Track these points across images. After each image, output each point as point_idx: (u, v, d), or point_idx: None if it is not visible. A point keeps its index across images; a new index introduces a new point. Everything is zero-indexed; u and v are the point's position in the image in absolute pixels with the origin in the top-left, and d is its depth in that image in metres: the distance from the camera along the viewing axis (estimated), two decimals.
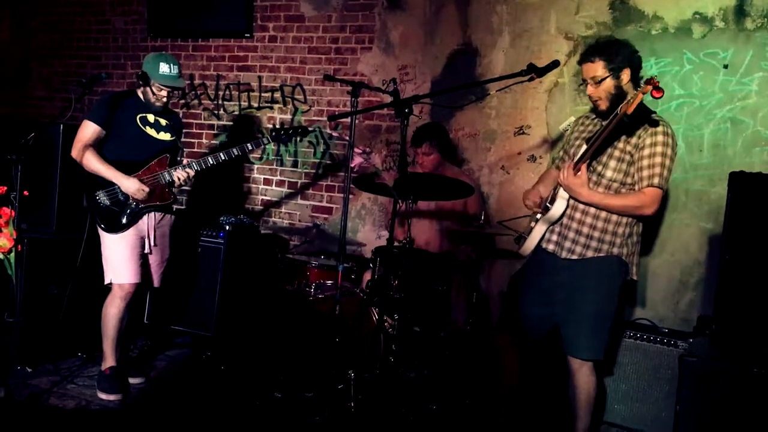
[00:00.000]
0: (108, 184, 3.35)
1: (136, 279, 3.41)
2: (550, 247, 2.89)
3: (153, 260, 3.55)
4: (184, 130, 4.69)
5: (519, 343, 3.05)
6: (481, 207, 3.97)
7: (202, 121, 5.31)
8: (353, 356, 3.35)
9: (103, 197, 3.36)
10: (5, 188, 3.18)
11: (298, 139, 4.86)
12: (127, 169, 3.35)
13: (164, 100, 3.45)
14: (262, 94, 5.08)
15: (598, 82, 2.72)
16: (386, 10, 4.61)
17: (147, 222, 3.45)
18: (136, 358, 3.93)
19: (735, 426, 2.73)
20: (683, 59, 3.76)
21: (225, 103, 5.22)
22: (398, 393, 3.30)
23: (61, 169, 3.70)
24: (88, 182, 3.38)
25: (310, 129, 4.45)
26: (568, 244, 2.82)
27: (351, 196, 4.37)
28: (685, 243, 3.78)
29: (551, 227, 2.89)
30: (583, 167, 2.69)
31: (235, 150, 3.57)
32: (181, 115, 4.89)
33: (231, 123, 5.20)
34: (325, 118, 4.80)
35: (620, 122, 2.55)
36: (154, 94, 3.40)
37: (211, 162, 3.52)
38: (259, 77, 5.08)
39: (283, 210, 5.05)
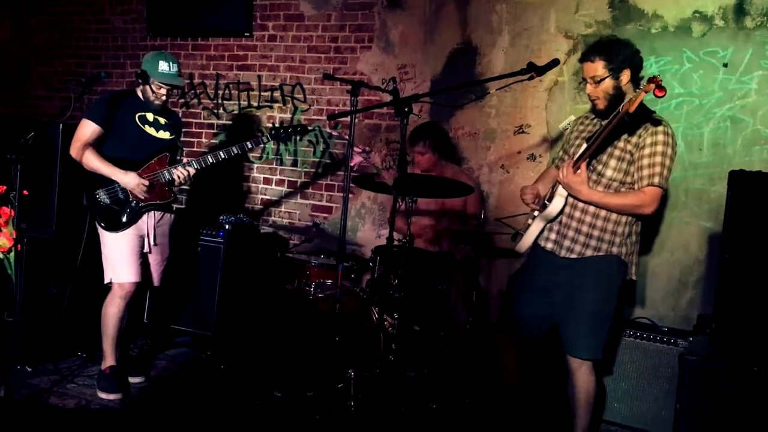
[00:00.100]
0: (108, 183, 3.36)
1: (136, 278, 3.41)
2: (549, 245, 2.89)
3: (153, 259, 3.55)
4: (183, 130, 4.69)
5: (518, 343, 3.05)
6: (481, 206, 3.97)
7: (202, 121, 5.31)
8: (353, 355, 3.35)
9: (102, 196, 3.36)
10: (5, 187, 3.17)
11: (298, 138, 4.87)
12: (126, 168, 3.35)
13: (163, 98, 3.45)
14: (262, 93, 5.08)
15: (598, 82, 2.72)
16: (386, 9, 4.61)
17: (147, 221, 3.45)
18: (136, 357, 3.94)
19: (735, 424, 2.74)
20: (683, 58, 3.76)
21: (224, 102, 5.22)
22: (398, 392, 3.30)
23: (60, 168, 3.70)
24: (87, 181, 3.38)
25: (309, 128, 4.46)
26: (567, 242, 2.82)
27: (351, 195, 4.36)
28: (685, 242, 3.78)
29: (550, 225, 2.89)
30: (583, 165, 2.68)
31: (234, 149, 3.57)
32: (180, 114, 4.90)
33: (230, 122, 5.20)
34: (324, 117, 4.80)
35: (621, 121, 2.55)
36: (153, 92, 3.40)
37: (211, 161, 3.52)
38: (259, 76, 5.08)
39: (282, 209, 5.05)
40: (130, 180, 3.33)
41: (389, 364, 3.29)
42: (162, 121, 3.53)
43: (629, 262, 2.80)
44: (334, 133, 4.81)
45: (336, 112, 4.42)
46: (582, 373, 2.82)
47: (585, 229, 2.78)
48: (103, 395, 3.36)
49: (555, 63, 2.74)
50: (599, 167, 2.76)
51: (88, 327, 3.66)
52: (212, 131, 5.28)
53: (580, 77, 3.93)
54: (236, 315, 4.20)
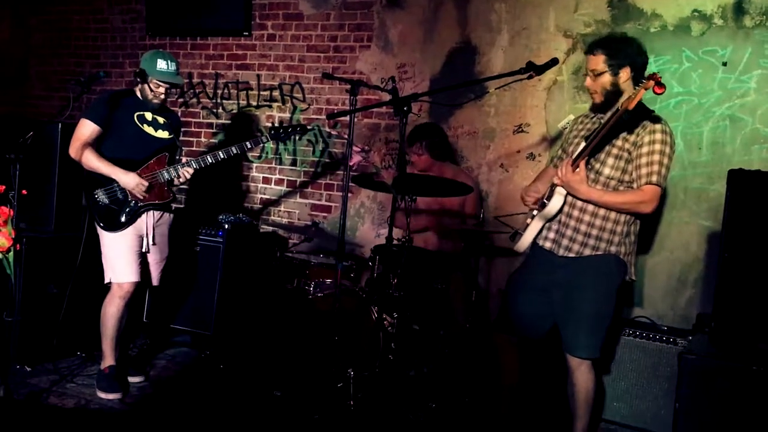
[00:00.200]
0: (107, 183, 3.35)
1: (136, 278, 3.40)
2: (548, 244, 2.89)
3: (152, 259, 3.55)
4: (182, 129, 4.69)
5: (518, 342, 3.05)
6: (480, 206, 3.97)
7: (201, 120, 5.30)
8: (353, 355, 3.35)
9: (101, 195, 3.36)
10: (4, 187, 3.17)
11: (297, 137, 4.85)
12: (125, 168, 3.35)
13: (162, 97, 3.44)
14: (261, 93, 5.08)
15: (596, 76, 2.74)
16: (385, 8, 4.61)
17: (146, 221, 3.45)
18: (136, 357, 3.93)
19: (734, 423, 2.74)
20: (682, 57, 3.76)
21: (224, 101, 5.22)
22: (398, 391, 3.30)
23: (59, 168, 3.70)
24: (86, 181, 3.38)
25: (309, 127, 4.46)
26: (565, 241, 2.81)
27: (350, 195, 4.37)
28: (684, 241, 3.78)
29: (548, 224, 2.89)
30: (582, 164, 2.68)
31: (234, 148, 3.57)
32: (179, 113, 4.89)
33: (230, 122, 5.19)
34: (324, 117, 4.79)
35: (620, 119, 2.55)
36: (152, 90, 3.40)
37: (210, 160, 3.51)
38: (258, 76, 5.08)
39: (282, 208, 5.05)
40: (129, 180, 3.33)
41: (389, 364, 3.29)
42: (161, 120, 3.52)
43: (628, 261, 2.80)
44: (334, 132, 4.81)
45: (335, 111, 4.42)
46: (581, 372, 2.82)
47: (583, 228, 2.78)
48: (102, 395, 3.36)
49: (554, 62, 2.75)
50: (597, 165, 2.76)
51: (88, 327, 3.66)
52: (211, 131, 5.28)
53: (580, 76, 3.98)
54: (236, 314, 4.20)
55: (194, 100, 5.32)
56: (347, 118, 3.16)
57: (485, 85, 4.01)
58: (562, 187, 2.77)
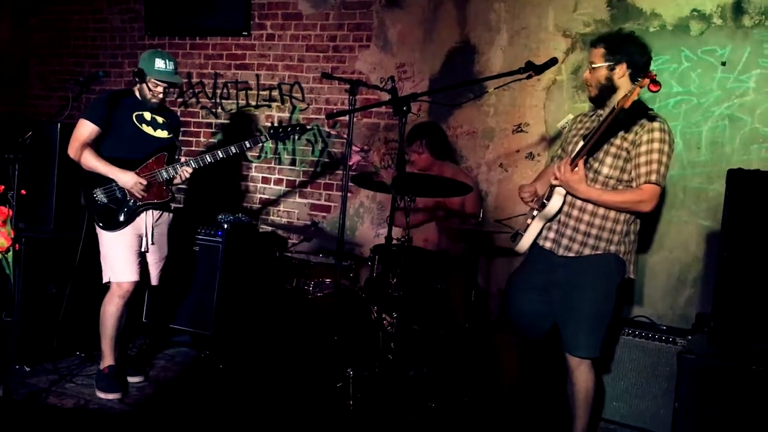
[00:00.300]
0: (105, 182, 3.36)
1: (135, 277, 3.40)
2: (547, 244, 2.89)
3: (151, 259, 3.55)
4: (182, 129, 4.68)
5: (518, 341, 3.05)
6: (480, 205, 3.97)
7: (200, 120, 5.30)
8: (352, 354, 3.35)
9: (100, 195, 3.36)
10: (3, 187, 3.16)
11: (297, 137, 4.85)
12: (124, 168, 3.35)
13: (160, 96, 3.44)
14: (260, 93, 5.07)
15: (593, 68, 2.77)
16: (384, 8, 4.60)
17: (145, 220, 3.45)
18: (135, 356, 3.93)
19: (733, 423, 2.74)
20: (681, 56, 3.76)
21: (223, 101, 5.21)
22: (397, 391, 3.30)
23: (58, 167, 3.70)
24: (85, 180, 3.38)
25: (308, 127, 4.46)
26: (565, 241, 2.81)
27: (349, 194, 4.36)
28: (684, 240, 3.78)
29: (548, 224, 2.89)
30: (580, 163, 2.68)
31: (233, 148, 3.57)
32: (178, 113, 4.89)
33: (229, 121, 5.19)
34: (323, 116, 4.79)
35: (616, 118, 2.55)
36: (150, 90, 3.40)
37: (209, 160, 3.51)
38: (257, 75, 5.07)
39: (281, 208, 5.05)
40: (128, 179, 3.33)
41: (388, 363, 3.29)
42: (160, 120, 3.52)
43: (627, 260, 2.80)
44: (333, 132, 4.81)
45: (334, 111, 4.42)
46: (581, 371, 2.82)
47: (583, 227, 2.78)
48: (101, 395, 3.36)
49: (553, 62, 2.75)
50: (596, 165, 2.76)
51: (87, 326, 3.66)
52: (210, 130, 5.28)
53: (579, 76, 3.98)
54: (235, 314, 4.20)
55: (193, 99, 5.32)
56: (346, 117, 3.16)
57: (484, 85, 4.01)
58: (561, 186, 2.77)
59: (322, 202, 4.88)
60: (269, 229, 4.90)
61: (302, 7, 4.87)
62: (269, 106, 5.04)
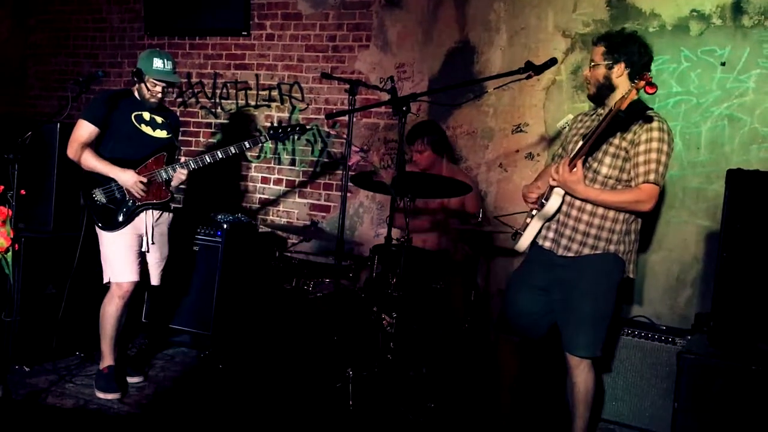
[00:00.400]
0: (104, 182, 3.36)
1: (135, 277, 3.40)
2: (547, 244, 2.89)
3: (152, 259, 3.55)
4: (181, 129, 4.68)
5: (518, 342, 3.05)
6: (479, 205, 3.97)
7: (200, 120, 5.30)
8: (352, 354, 3.35)
9: (99, 195, 3.36)
10: (2, 187, 3.17)
11: (296, 137, 4.84)
12: (123, 167, 3.35)
13: (159, 95, 3.44)
14: (260, 93, 5.07)
15: (593, 66, 2.78)
16: (384, 8, 4.60)
17: (145, 220, 3.45)
18: (135, 356, 3.93)
19: (733, 423, 2.74)
20: (680, 56, 3.76)
21: (222, 101, 5.21)
22: (397, 391, 3.30)
23: (58, 167, 3.69)
24: (84, 180, 3.38)
25: (307, 127, 4.45)
26: (564, 241, 2.81)
27: (349, 194, 4.37)
28: (683, 240, 3.79)
29: (548, 224, 2.89)
30: (579, 163, 2.68)
31: (232, 148, 3.56)
32: (178, 113, 4.89)
33: (228, 121, 5.19)
34: (322, 116, 4.79)
35: (615, 117, 2.55)
36: (148, 90, 3.40)
37: (209, 160, 3.51)
38: (257, 75, 5.07)
39: (281, 208, 5.05)
40: (127, 178, 3.33)
41: (388, 364, 3.29)
42: (159, 120, 3.52)
43: (627, 260, 2.80)
44: (332, 132, 4.81)
45: (334, 111, 4.42)
46: (581, 371, 2.82)
47: (582, 227, 2.77)
48: (101, 395, 3.36)
49: (553, 62, 2.75)
50: (595, 165, 2.76)
51: (87, 326, 3.66)
52: (210, 130, 5.28)
53: (578, 76, 3.98)
54: (235, 314, 4.20)
55: (193, 99, 5.32)
56: (346, 117, 3.17)
57: (484, 85, 4.01)
58: (560, 187, 2.77)
59: (322, 202, 4.88)
60: (269, 229, 4.90)
61: (302, 7, 4.87)
62: (269, 106, 5.04)
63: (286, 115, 4.97)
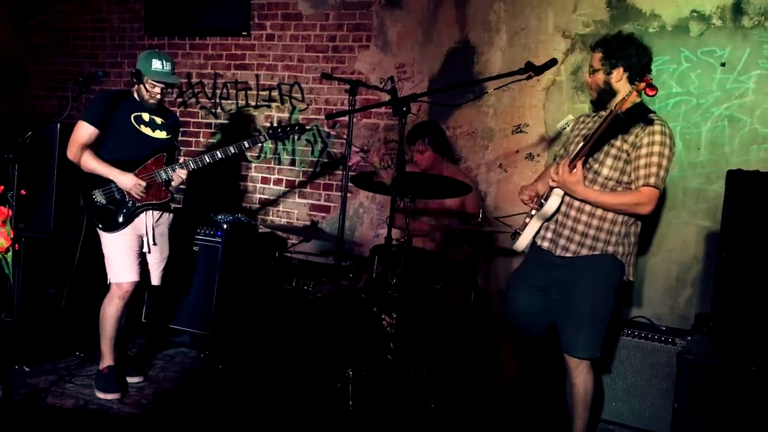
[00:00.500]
0: (104, 183, 3.36)
1: (135, 278, 3.40)
2: (545, 244, 2.89)
3: (152, 259, 3.55)
4: (181, 129, 4.68)
5: (517, 342, 3.05)
6: (480, 205, 3.97)
7: (200, 120, 5.30)
8: (351, 355, 3.35)
9: (99, 196, 3.36)
10: (2, 187, 3.17)
11: (296, 137, 4.85)
12: (123, 169, 3.36)
13: (158, 96, 3.44)
14: (260, 93, 5.07)
15: (593, 72, 2.79)
16: (384, 8, 4.61)
17: (145, 221, 3.45)
18: (135, 357, 3.93)
19: (733, 423, 2.74)
20: (681, 57, 3.76)
21: (222, 101, 5.21)
22: (397, 392, 3.30)
23: (58, 167, 3.69)
24: (84, 182, 3.38)
25: (307, 127, 4.46)
26: (562, 241, 2.82)
27: (349, 195, 4.36)
28: (683, 241, 3.79)
29: (546, 224, 2.89)
30: (579, 164, 2.68)
31: (232, 148, 3.56)
32: (178, 113, 4.89)
33: (228, 121, 5.19)
34: (322, 117, 4.79)
35: (615, 120, 2.55)
36: (147, 90, 3.40)
37: (208, 160, 3.51)
38: (257, 75, 5.07)
39: (281, 208, 5.05)
40: (127, 180, 3.33)
41: (388, 364, 3.29)
42: (158, 120, 3.52)
43: (626, 262, 2.79)
44: (332, 132, 4.81)
45: (334, 111, 4.42)
46: (580, 371, 2.82)
47: (581, 228, 2.78)
48: (101, 395, 3.36)
49: (553, 63, 2.75)
50: (596, 166, 2.76)
51: (86, 327, 3.66)
52: (210, 131, 5.28)
53: (578, 77, 3.99)
54: (235, 314, 4.20)
55: (193, 100, 5.32)
56: (346, 118, 3.17)
57: (484, 86, 4.02)
58: (559, 187, 2.77)
59: (322, 202, 4.88)
60: (269, 229, 4.90)
61: (302, 8, 4.88)
62: (269, 107, 5.04)
63: (286, 115, 4.97)
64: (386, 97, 3.05)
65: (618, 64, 2.72)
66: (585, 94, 3.97)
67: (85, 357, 3.83)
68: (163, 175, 3.44)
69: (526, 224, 2.95)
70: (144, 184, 3.36)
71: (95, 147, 3.37)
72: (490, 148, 4.32)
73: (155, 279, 3.59)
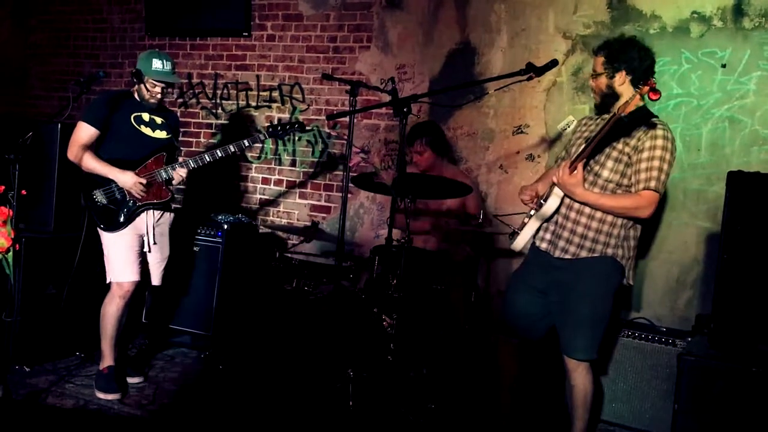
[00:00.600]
0: (105, 183, 3.36)
1: (135, 277, 3.41)
2: (544, 245, 2.89)
3: (153, 259, 3.55)
4: (182, 129, 4.68)
5: (517, 343, 3.05)
6: (480, 206, 3.97)
7: (200, 120, 5.30)
8: (352, 355, 3.35)
9: (99, 196, 3.36)
10: (3, 187, 3.17)
11: (297, 137, 4.87)
12: (123, 168, 3.36)
13: (158, 96, 3.44)
14: (261, 93, 5.08)
15: (596, 76, 2.79)
16: (384, 9, 4.61)
17: (146, 220, 3.45)
18: (135, 357, 3.93)
19: (733, 425, 2.74)
20: (681, 58, 3.76)
21: (223, 102, 5.21)
22: (397, 392, 3.30)
23: (58, 168, 3.69)
24: (84, 182, 3.38)
25: (307, 127, 4.46)
26: (561, 243, 2.81)
27: (349, 195, 4.36)
28: (683, 242, 3.79)
29: (546, 225, 2.89)
30: (579, 166, 2.68)
31: (231, 147, 3.57)
32: (179, 113, 4.89)
33: (229, 122, 5.19)
34: (323, 117, 4.79)
35: (618, 122, 2.55)
36: (148, 90, 3.41)
37: (208, 159, 3.51)
38: (258, 76, 5.08)
39: (281, 209, 5.05)
40: (127, 179, 3.34)
41: (388, 364, 3.29)
42: (158, 120, 3.52)
43: (626, 266, 2.79)
44: (333, 133, 4.81)
45: (335, 112, 4.43)
46: (579, 373, 2.82)
47: (580, 230, 2.77)
48: (101, 395, 3.36)
49: (554, 64, 2.75)
50: (596, 168, 2.76)
51: (87, 327, 3.66)
52: (211, 131, 5.28)
53: (579, 77, 3.99)
54: (235, 315, 4.20)
55: (194, 100, 5.32)
56: (347, 118, 3.17)
57: (485, 86, 4.01)
58: (559, 188, 2.77)
59: (322, 203, 4.88)
60: (269, 229, 4.90)
61: (303, 8, 4.88)
62: (269, 107, 5.05)
63: (286, 115, 4.97)
64: (387, 98, 3.05)
65: (620, 67, 2.71)
66: (586, 95, 3.97)
67: (86, 357, 3.83)
68: (164, 174, 3.44)
69: (525, 224, 2.95)
70: (144, 182, 3.37)
71: (95, 147, 3.38)
72: (490, 149, 4.32)
73: (156, 279, 3.59)
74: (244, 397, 3.48)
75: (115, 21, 5.63)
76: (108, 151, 3.38)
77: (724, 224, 2.97)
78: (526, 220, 2.96)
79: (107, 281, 3.41)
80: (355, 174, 4.02)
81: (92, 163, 3.32)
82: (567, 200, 2.79)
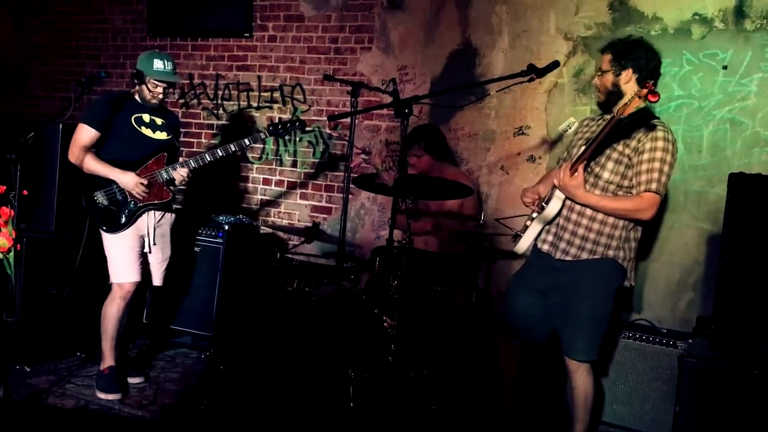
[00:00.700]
0: (106, 184, 3.36)
1: (136, 278, 3.41)
2: (545, 247, 2.89)
3: (154, 259, 3.55)
4: (183, 130, 4.69)
5: (518, 344, 3.05)
6: (480, 207, 3.97)
7: (202, 121, 5.30)
8: (353, 356, 3.35)
9: (101, 197, 3.36)
10: (4, 188, 3.18)
11: (298, 138, 4.87)
12: (124, 169, 3.36)
13: (160, 96, 3.45)
14: (262, 94, 5.08)
15: (601, 74, 2.79)
16: (386, 10, 4.61)
17: (146, 221, 3.46)
18: (135, 357, 3.93)
19: (734, 427, 2.74)
20: (682, 60, 3.76)
21: (224, 102, 5.22)
22: (398, 393, 3.29)
23: (60, 168, 3.70)
24: (85, 183, 3.39)
25: (308, 128, 4.46)
26: (562, 245, 2.82)
27: (350, 196, 4.36)
28: (685, 244, 3.78)
29: (547, 227, 2.89)
30: (580, 168, 2.68)
31: (232, 146, 3.57)
32: (180, 114, 4.90)
33: (230, 122, 5.19)
34: (324, 118, 4.79)
35: (618, 124, 2.55)
36: (149, 91, 3.41)
37: (209, 158, 3.52)
38: (259, 77, 5.08)
39: (282, 210, 5.05)
40: (128, 180, 3.34)
41: (389, 365, 3.29)
42: (159, 121, 3.53)
43: (627, 267, 2.79)
44: (334, 134, 4.81)
45: (336, 113, 4.43)
46: (580, 374, 2.82)
47: (581, 231, 2.77)
48: (101, 395, 3.36)
49: (555, 65, 2.75)
50: (597, 169, 2.76)
51: (87, 327, 3.67)
52: (212, 132, 5.28)
53: (580, 79, 3.99)
54: (236, 315, 4.20)
55: (195, 101, 5.32)
56: (348, 119, 3.17)
57: (486, 88, 4.02)
58: (560, 190, 2.77)
59: (323, 203, 4.88)
60: (270, 230, 4.90)
61: (304, 9, 4.88)
62: (271, 108, 5.05)
63: (287, 116, 4.97)
64: (388, 99, 3.05)
65: (627, 65, 2.72)
66: (587, 97, 3.97)
67: (86, 357, 3.83)
68: (165, 175, 3.45)
69: (528, 227, 2.95)
70: (145, 182, 3.37)
71: (96, 149, 3.38)
72: (491, 150, 4.32)
73: (157, 279, 3.60)
74: (244, 398, 3.47)
75: (116, 21, 5.63)
76: (109, 153, 3.39)
77: (725, 226, 2.97)
78: (528, 222, 2.96)
79: (109, 282, 3.41)
80: (356, 175, 4.03)
81: (93, 165, 3.33)
82: (569, 202, 2.80)
